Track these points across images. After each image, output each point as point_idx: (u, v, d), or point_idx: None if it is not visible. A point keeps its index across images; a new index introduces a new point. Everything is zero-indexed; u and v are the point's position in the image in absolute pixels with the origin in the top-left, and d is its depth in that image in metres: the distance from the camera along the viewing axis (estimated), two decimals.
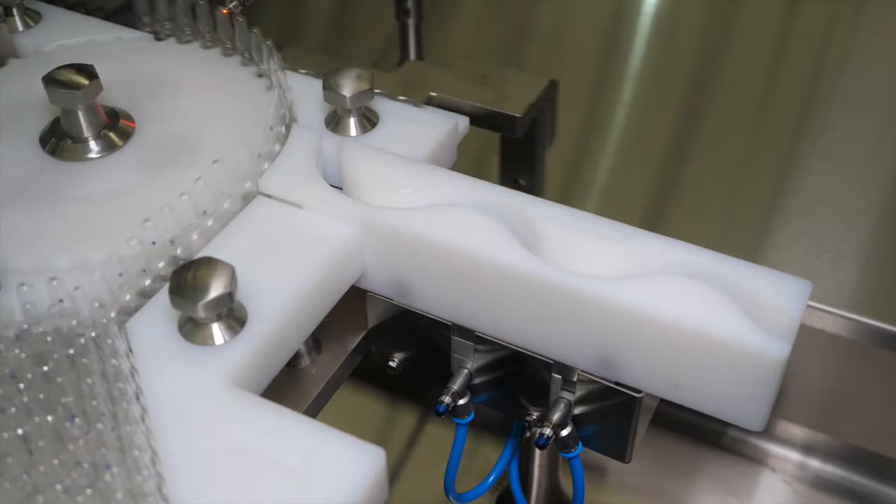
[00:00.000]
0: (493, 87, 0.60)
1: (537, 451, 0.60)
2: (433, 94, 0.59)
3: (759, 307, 0.42)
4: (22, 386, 0.38)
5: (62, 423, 0.37)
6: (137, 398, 0.39)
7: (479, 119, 0.59)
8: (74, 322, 0.41)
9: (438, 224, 0.46)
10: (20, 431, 0.37)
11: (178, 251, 0.46)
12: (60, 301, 0.42)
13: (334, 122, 0.53)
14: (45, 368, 0.39)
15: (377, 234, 0.47)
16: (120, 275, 0.44)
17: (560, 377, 0.47)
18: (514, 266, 0.44)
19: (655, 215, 0.70)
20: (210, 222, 0.47)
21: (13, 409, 0.38)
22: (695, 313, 0.41)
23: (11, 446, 0.36)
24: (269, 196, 0.48)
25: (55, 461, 0.36)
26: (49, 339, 0.40)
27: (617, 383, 0.46)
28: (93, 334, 0.41)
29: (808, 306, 0.60)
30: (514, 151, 0.65)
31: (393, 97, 0.54)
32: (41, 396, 0.38)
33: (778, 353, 0.40)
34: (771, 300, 0.42)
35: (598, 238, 0.45)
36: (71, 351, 0.40)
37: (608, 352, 0.44)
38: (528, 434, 0.53)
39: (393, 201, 0.48)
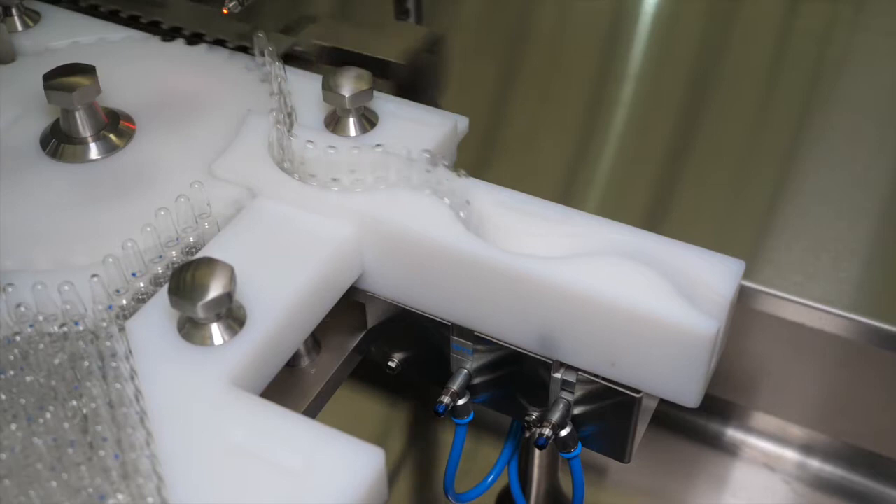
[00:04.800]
0: (379, 36, 0.60)
1: (537, 452, 0.60)
2: (318, 42, 0.58)
3: (693, 286, 0.43)
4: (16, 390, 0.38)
5: (61, 426, 0.37)
6: (137, 400, 0.39)
7: (363, 66, 0.58)
8: (73, 324, 0.41)
9: (385, 206, 0.46)
10: (19, 433, 0.37)
11: (177, 252, 0.46)
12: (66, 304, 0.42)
13: (334, 122, 0.53)
14: (44, 371, 0.39)
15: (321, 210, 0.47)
16: (121, 276, 0.44)
17: (559, 377, 0.47)
18: (454, 246, 0.45)
19: (655, 215, 0.70)
20: (208, 223, 0.47)
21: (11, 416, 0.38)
22: (629, 292, 0.42)
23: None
24: (224, 180, 0.49)
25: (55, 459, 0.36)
26: (46, 342, 0.40)
27: (616, 383, 0.46)
28: (92, 336, 0.41)
29: (808, 306, 0.60)
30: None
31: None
32: (33, 400, 0.38)
33: (707, 329, 0.41)
34: (704, 279, 0.43)
35: (538, 219, 0.46)
36: (69, 354, 0.40)
37: (548, 330, 0.45)
38: (527, 434, 0.53)
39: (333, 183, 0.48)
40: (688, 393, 0.44)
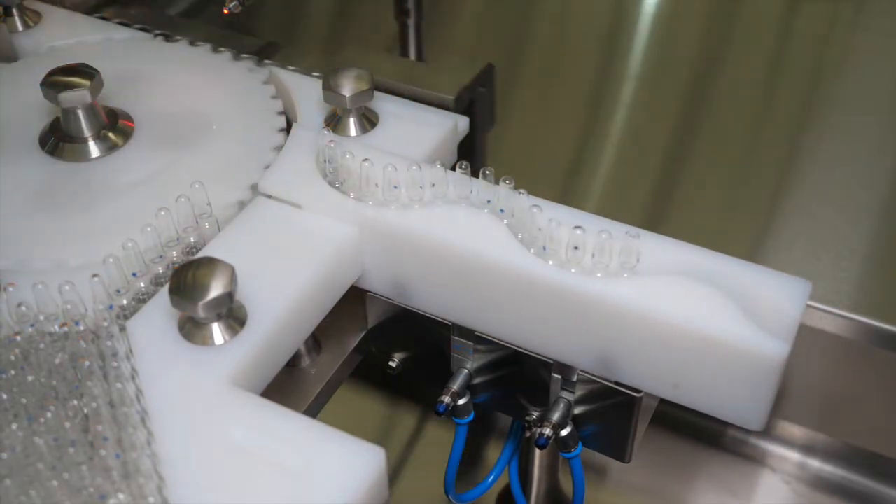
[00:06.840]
0: (428, 71, 0.60)
1: (537, 451, 0.60)
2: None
3: (759, 307, 0.42)
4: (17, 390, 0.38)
5: (61, 425, 0.37)
6: (138, 399, 0.39)
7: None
8: (74, 323, 0.41)
9: (437, 223, 0.46)
10: (20, 433, 0.37)
11: (178, 251, 0.46)
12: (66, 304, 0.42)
13: (334, 122, 0.53)
14: (45, 371, 0.39)
15: (376, 233, 0.47)
16: (121, 276, 0.44)
17: (560, 377, 0.47)
18: (513, 265, 0.44)
19: (655, 215, 0.70)
20: (209, 223, 0.47)
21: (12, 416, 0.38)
22: (694, 313, 0.41)
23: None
24: (268, 196, 0.48)
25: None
26: (46, 341, 0.40)
27: (616, 383, 0.46)
28: (92, 336, 0.41)
29: (808, 306, 0.60)
30: None
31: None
32: (34, 400, 0.38)
33: (777, 352, 0.40)
34: (770, 300, 0.42)
35: (598, 237, 0.45)
36: (70, 353, 0.40)
37: (607, 351, 0.44)
38: (527, 434, 0.53)
39: (391, 200, 0.48)
40: (753, 416, 0.43)
